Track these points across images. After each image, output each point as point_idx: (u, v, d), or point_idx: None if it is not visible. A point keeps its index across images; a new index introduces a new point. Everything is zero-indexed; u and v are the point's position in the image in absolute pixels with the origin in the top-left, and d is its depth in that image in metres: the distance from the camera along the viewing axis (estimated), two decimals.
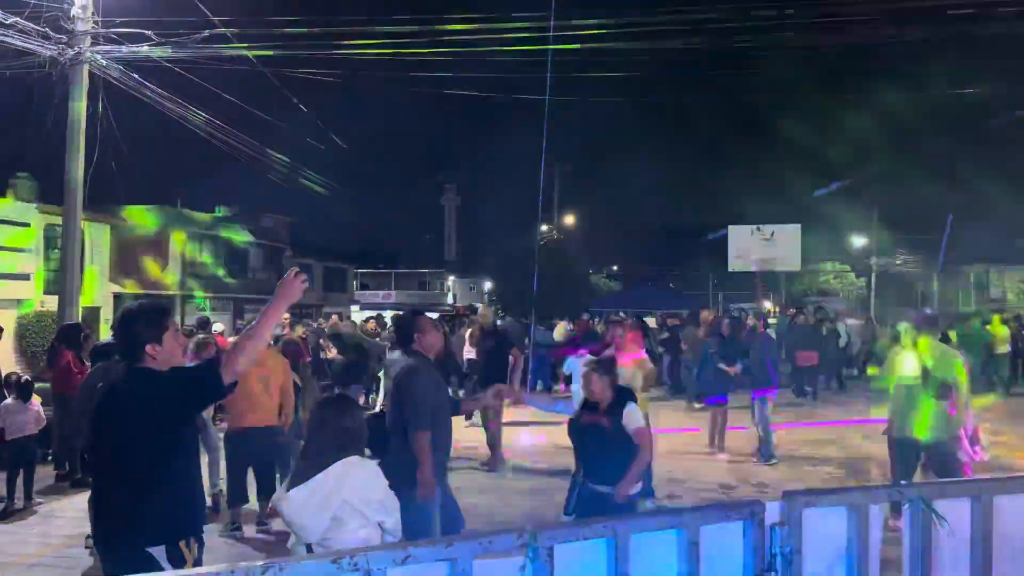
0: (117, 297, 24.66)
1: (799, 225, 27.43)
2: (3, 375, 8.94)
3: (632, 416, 4.83)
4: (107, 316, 23.64)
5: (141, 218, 27.73)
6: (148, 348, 3.00)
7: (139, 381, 2.99)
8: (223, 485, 7.24)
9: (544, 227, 44.10)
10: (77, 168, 11.31)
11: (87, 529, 6.43)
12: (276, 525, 6.91)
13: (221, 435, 7.32)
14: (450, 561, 2.06)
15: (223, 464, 7.28)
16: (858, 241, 45.31)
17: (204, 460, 7.69)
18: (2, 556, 6.29)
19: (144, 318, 3.10)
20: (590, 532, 2.26)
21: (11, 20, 10.40)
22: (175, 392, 2.96)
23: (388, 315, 19.61)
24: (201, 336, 8.98)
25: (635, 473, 4.77)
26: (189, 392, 3.01)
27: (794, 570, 2.51)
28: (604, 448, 4.86)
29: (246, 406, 6.61)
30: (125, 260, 26.11)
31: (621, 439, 4.80)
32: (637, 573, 2.30)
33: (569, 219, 46.54)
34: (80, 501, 7.72)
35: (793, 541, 2.51)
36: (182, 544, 2.85)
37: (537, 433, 10.89)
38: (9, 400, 8.07)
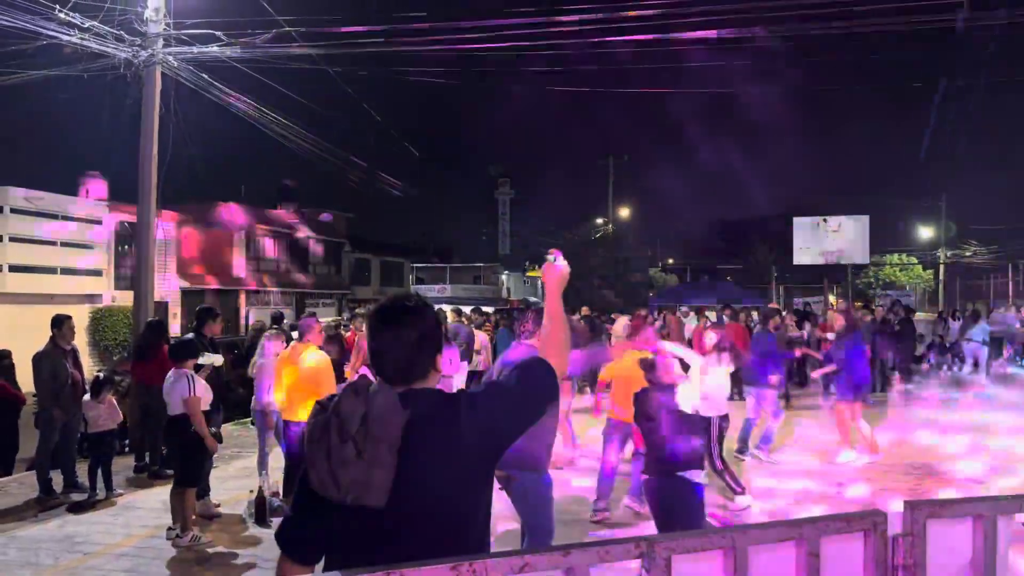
0: (185, 292, 25.31)
1: (866, 216, 26.61)
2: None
3: None
4: (175, 310, 24.30)
5: (208, 214, 28.35)
6: (438, 360, 2.19)
7: (454, 408, 2.10)
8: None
9: (599, 220, 43.86)
10: (150, 167, 11.55)
11: (168, 520, 6.64)
12: None
13: None
14: (567, 569, 2.01)
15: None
16: (925, 232, 43.96)
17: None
18: (90, 545, 6.48)
19: (435, 320, 2.22)
20: (708, 543, 2.18)
21: (88, 24, 10.70)
22: (527, 411, 2.26)
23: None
24: (273, 329, 9.15)
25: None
26: (543, 408, 2.31)
27: None
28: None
29: (298, 399, 6.75)
30: (192, 255, 26.79)
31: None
32: None
33: (624, 212, 46.12)
34: (159, 492, 7.95)
35: (916, 553, 2.39)
36: None
37: None
38: (87, 396, 8.32)
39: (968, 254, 42.72)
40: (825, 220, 26.59)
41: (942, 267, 41.91)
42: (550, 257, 2.59)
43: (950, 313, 23.19)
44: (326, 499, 1.97)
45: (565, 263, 2.61)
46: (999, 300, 33.56)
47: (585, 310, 18.50)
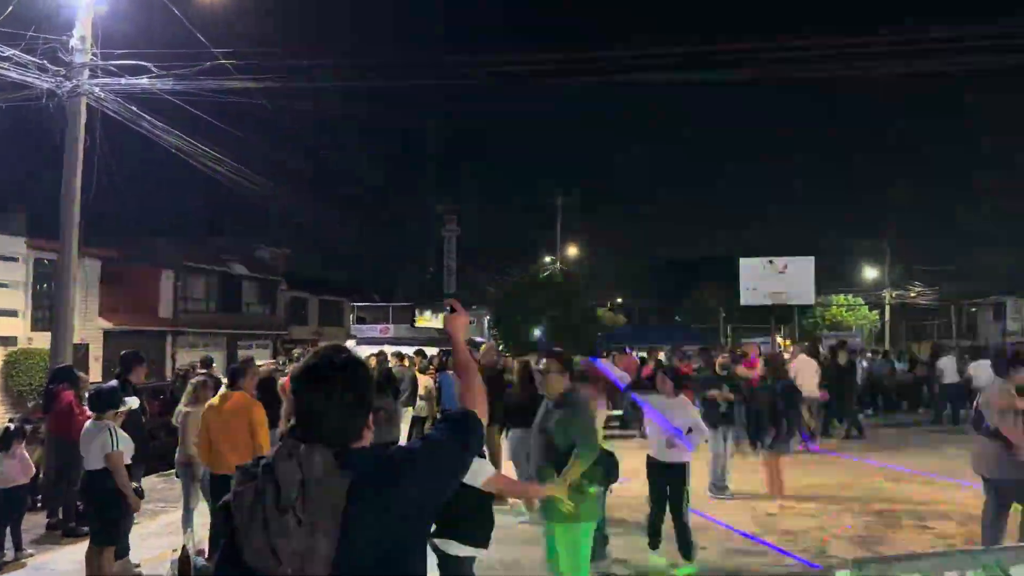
0: (107, 333, 24.07)
1: (812, 258, 27.14)
2: None
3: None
4: (96, 354, 23.16)
5: (134, 251, 26.92)
6: (371, 419, 2.08)
7: (394, 467, 1.98)
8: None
9: (547, 259, 43.90)
10: (73, 202, 11.01)
11: None
12: None
13: None
14: None
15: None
16: (871, 273, 45.02)
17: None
18: None
19: (367, 375, 2.09)
20: None
21: (8, 52, 10.20)
22: (464, 465, 2.23)
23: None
24: (201, 376, 8.67)
25: None
26: (471, 461, 2.27)
27: None
28: None
29: (228, 451, 6.28)
30: (115, 294, 25.43)
31: None
32: None
33: (572, 250, 46.33)
34: (73, 552, 7.38)
35: None
36: None
37: None
38: None
39: (912, 295, 43.82)
40: (771, 261, 27.01)
41: (887, 308, 42.87)
42: (448, 309, 2.62)
43: (896, 354, 23.54)
44: (257, 573, 1.78)
45: (464, 312, 2.65)
46: (944, 339, 34.32)
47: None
